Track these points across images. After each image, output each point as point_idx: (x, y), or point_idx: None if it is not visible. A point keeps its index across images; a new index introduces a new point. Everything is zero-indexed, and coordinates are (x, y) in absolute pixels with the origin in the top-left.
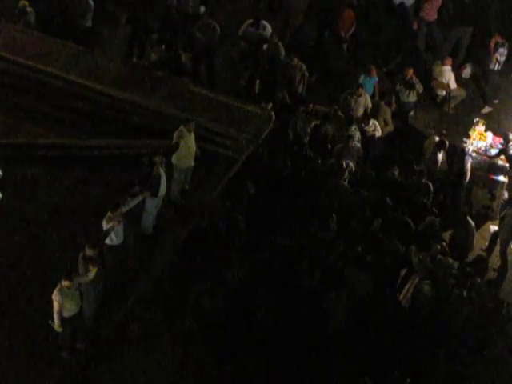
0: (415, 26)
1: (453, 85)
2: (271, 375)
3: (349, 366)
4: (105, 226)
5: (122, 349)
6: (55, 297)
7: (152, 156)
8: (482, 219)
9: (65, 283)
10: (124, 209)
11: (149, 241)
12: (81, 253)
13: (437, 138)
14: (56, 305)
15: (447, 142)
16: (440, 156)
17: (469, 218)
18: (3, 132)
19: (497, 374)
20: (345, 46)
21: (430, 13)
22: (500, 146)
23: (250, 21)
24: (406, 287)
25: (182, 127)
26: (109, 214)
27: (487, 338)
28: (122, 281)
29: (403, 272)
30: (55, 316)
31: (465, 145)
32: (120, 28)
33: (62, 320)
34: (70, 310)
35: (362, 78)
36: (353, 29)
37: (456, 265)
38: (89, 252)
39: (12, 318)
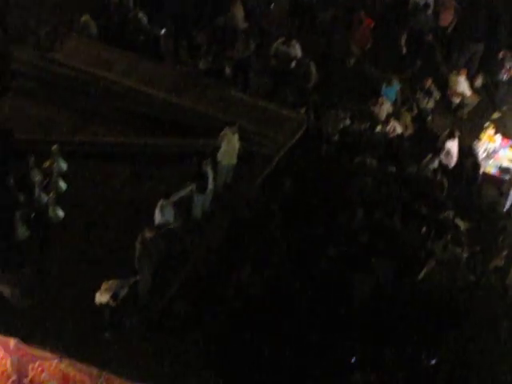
0: (430, 38)
1: (466, 93)
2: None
3: (369, 339)
4: (157, 213)
5: (170, 323)
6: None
7: (201, 156)
8: (492, 213)
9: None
10: (175, 197)
11: (197, 228)
12: (139, 235)
13: (447, 132)
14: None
15: (457, 133)
16: (450, 145)
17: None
18: (68, 131)
19: (501, 352)
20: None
21: (446, 21)
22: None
23: (282, 39)
24: (423, 272)
25: (227, 129)
26: (161, 201)
27: (494, 319)
28: (171, 262)
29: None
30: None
31: (476, 146)
32: (171, 40)
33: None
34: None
35: (384, 87)
36: (369, 44)
37: (465, 254)
38: (148, 233)
39: (71, 296)
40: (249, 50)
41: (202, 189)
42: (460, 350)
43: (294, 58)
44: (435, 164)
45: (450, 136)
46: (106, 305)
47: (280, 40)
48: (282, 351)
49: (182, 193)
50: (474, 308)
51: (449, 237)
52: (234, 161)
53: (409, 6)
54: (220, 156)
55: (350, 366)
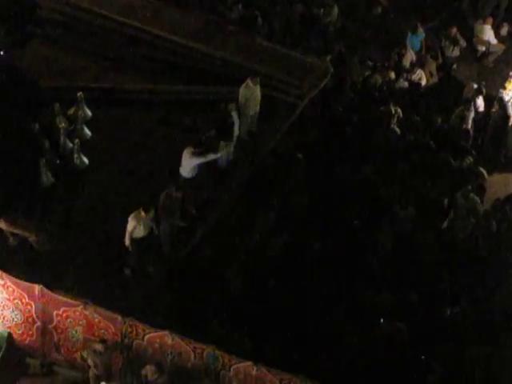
0: None
1: (492, 41)
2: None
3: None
4: (185, 158)
5: (193, 272)
6: (131, 220)
7: (226, 103)
8: None
9: (142, 213)
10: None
11: (222, 176)
12: (165, 192)
13: (475, 86)
14: (129, 226)
15: (484, 90)
16: (478, 102)
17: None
18: (93, 78)
19: None
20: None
21: None
22: None
23: None
24: (446, 220)
25: (249, 80)
26: (186, 152)
27: None
28: (196, 211)
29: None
30: (127, 235)
31: (501, 95)
32: None
33: (132, 240)
34: (139, 233)
35: (409, 36)
36: None
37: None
38: (175, 194)
39: (95, 243)
40: None
41: (229, 136)
42: (482, 297)
43: (320, 5)
44: (468, 115)
45: (479, 94)
46: (133, 243)
47: None
48: (307, 300)
49: (212, 156)
50: (495, 256)
51: (472, 185)
52: (257, 109)
53: None
54: (243, 105)
55: (377, 314)
